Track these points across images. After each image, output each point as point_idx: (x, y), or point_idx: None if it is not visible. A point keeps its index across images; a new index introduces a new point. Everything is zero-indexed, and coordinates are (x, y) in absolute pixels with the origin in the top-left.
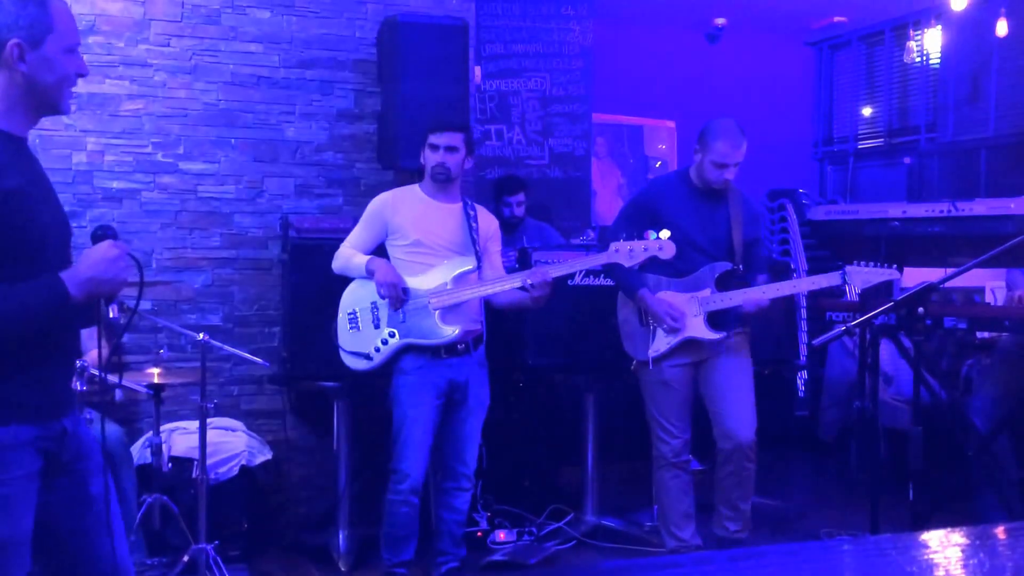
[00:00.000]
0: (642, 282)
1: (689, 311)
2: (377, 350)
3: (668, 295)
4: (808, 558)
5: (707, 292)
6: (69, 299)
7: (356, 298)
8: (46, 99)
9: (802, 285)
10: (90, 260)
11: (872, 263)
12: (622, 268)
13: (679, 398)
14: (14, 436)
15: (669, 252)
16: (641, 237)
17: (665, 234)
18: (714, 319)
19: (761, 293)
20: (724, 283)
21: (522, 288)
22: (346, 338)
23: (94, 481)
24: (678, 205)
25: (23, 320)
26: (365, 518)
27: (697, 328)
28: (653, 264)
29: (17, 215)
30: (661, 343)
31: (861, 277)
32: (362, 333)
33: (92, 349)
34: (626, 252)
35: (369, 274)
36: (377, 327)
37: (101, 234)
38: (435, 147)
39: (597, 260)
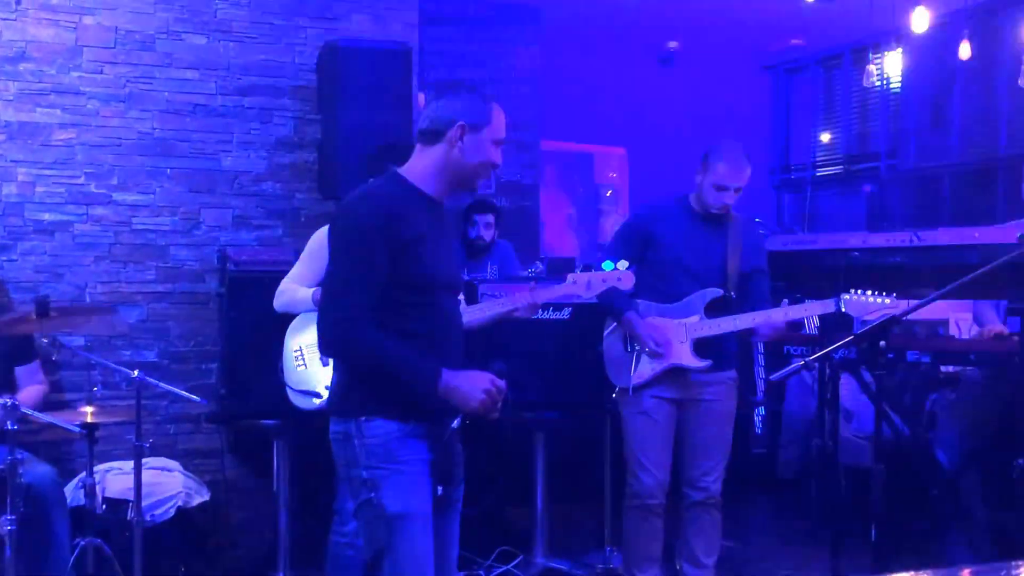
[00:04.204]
0: (630, 305)
1: (675, 337)
2: (327, 388)
3: (655, 320)
4: None
5: (695, 319)
6: (434, 391)
7: (302, 335)
8: (464, 176)
9: (794, 312)
10: (470, 379)
11: (872, 291)
12: (614, 291)
13: (659, 432)
14: (412, 429)
15: (628, 284)
16: (599, 268)
17: (623, 265)
18: (701, 348)
19: (751, 320)
20: (715, 310)
21: (511, 312)
22: (293, 376)
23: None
24: (673, 229)
25: (395, 377)
26: (307, 561)
27: (683, 355)
28: (645, 289)
29: (414, 257)
30: (645, 369)
31: (858, 307)
32: (310, 370)
33: (26, 387)
34: (584, 283)
35: (316, 305)
36: (326, 364)
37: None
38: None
39: (554, 293)
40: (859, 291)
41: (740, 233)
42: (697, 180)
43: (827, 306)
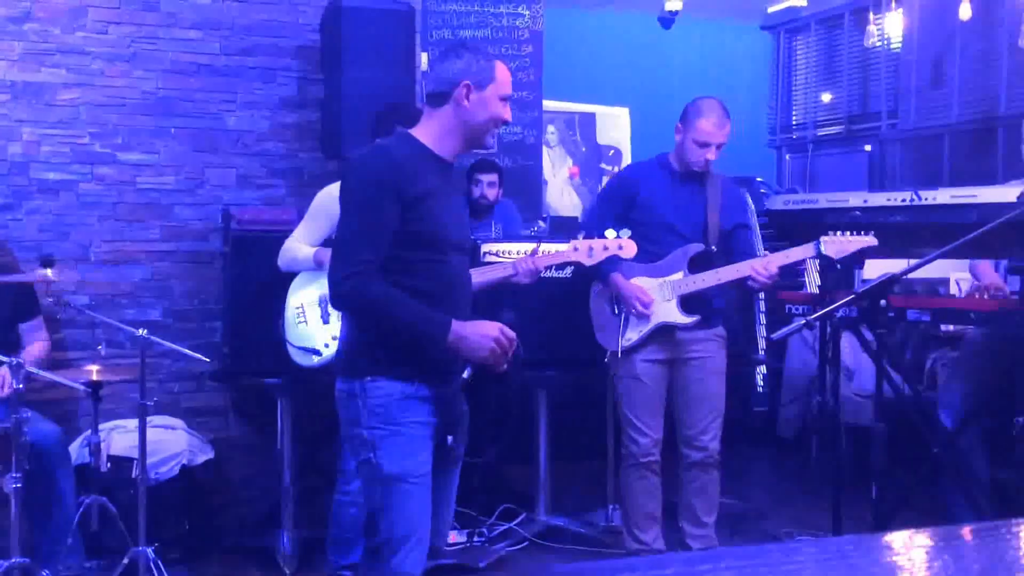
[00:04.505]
0: (614, 266)
1: (661, 296)
2: (327, 345)
3: (640, 280)
4: (767, 561)
5: (679, 275)
6: (444, 342)
7: (304, 292)
8: (474, 133)
9: (775, 259)
10: (477, 329)
11: (846, 231)
12: (614, 258)
13: (650, 394)
14: (416, 391)
15: (630, 252)
16: (602, 235)
17: (626, 233)
18: (688, 305)
19: (735, 272)
20: (698, 266)
21: (511, 277)
22: (294, 333)
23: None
24: (655, 188)
25: (405, 329)
26: (310, 519)
27: (669, 313)
28: None
29: (423, 214)
30: (632, 332)
31: (836, 246)
32: (311, 328)
33: (29, 344)
34: (585, 250)
35: (318, 264)
36: (327, 321)
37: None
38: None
39: (556, 259)
40: (838, 232)
41: (719, 191)
42: (678, 138)
43: (807, 250)
